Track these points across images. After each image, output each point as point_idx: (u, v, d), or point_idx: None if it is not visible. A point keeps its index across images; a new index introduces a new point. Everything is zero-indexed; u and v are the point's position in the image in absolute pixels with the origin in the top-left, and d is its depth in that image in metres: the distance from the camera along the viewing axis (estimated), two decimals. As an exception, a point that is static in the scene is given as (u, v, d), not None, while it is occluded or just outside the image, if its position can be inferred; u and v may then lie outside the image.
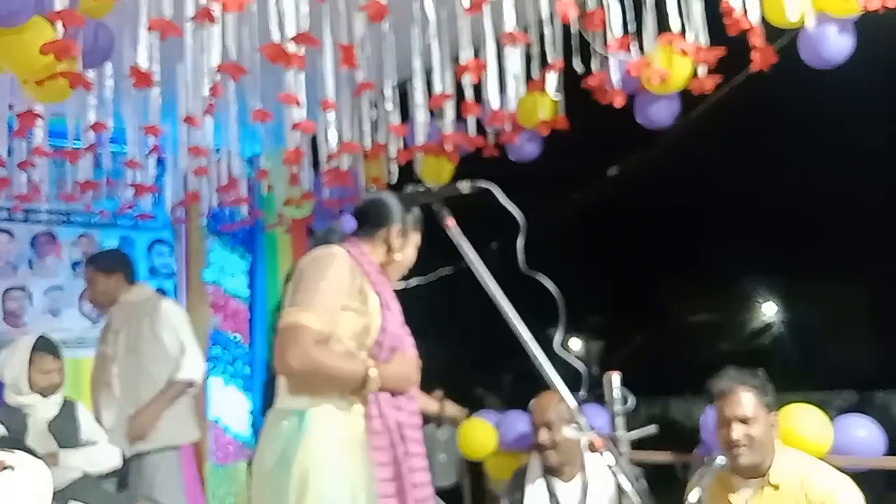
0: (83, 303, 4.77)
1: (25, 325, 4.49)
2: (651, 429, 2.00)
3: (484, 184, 2.05)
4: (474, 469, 4.09)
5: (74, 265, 4.76)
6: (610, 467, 1.88)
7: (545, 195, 5.70)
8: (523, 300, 2.20)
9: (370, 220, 2.35)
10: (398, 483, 2.10)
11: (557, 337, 2.08)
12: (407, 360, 2.22)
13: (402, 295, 2.41)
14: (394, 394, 2.18)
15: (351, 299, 2.15)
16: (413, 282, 2.71)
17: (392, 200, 2.36)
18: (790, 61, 3.11)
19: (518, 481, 3.22)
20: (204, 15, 2.61)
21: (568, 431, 2.25)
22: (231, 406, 5.11)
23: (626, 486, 1.87)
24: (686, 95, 3.42)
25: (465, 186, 2.06)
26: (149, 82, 2.93)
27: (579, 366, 2.08)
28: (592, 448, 2.00)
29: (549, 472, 3.17)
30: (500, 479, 3.71)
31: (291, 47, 2.72)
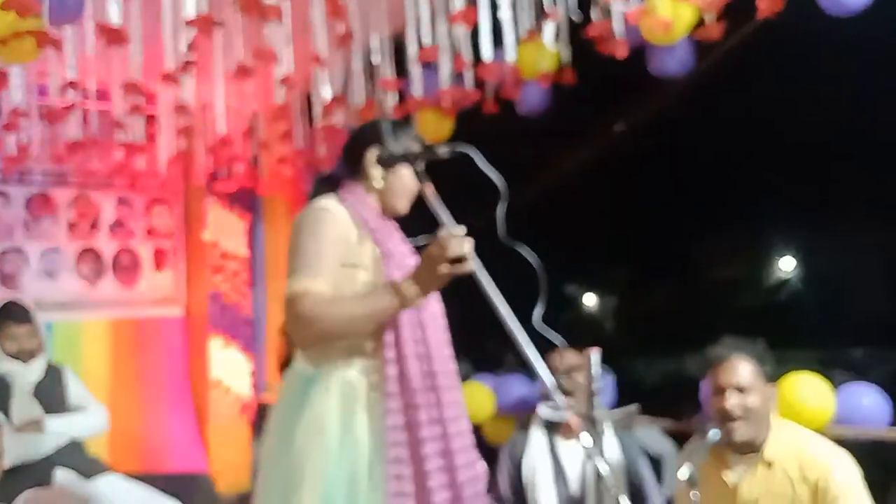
0: (81, 265, 4.71)
1: (22, 288, 4.43)
2: (632, 408, 1.89)
3: (463, 148, 1.93)
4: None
5: (71, 227, 4.69)
6: (586, 449, 1.77)
7: (553, 149, 5.50)
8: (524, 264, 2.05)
9: (351, 154, 2.07)
10: (411, 449, 1.94)
11: (537, 311, 1.96)
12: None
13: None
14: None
15: (349, 255, 1.94)
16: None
17: (369, 126, 2.09)
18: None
19: (520, 438, 3.10)
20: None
21: (542, 411, 2.18)
22: (232, 366, 5.07)
23: (604, 470, 1.77)
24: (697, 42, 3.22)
25: (443, 151, 1.95)
26: (122, 40, 2.80)
27: (558, 340, 1.96)
28: (568, 431, 1.92)
29: (551, 428, 3.04)
30: (498, 443, 3.62)
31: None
